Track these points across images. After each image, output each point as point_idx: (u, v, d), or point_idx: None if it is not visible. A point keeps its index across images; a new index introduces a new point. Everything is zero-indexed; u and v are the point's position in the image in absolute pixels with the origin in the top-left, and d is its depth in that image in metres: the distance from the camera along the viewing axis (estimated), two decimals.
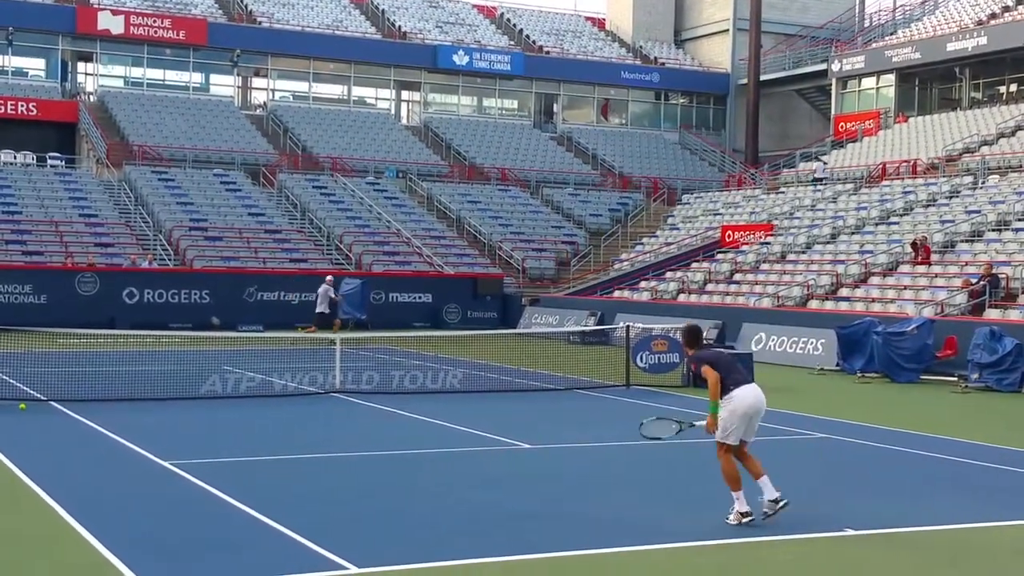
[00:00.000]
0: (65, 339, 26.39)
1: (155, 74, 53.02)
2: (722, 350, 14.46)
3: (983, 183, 38.43)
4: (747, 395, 10.26)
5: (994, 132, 44.14)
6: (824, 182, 45.22)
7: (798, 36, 59.63)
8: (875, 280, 32.12)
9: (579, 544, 9.40)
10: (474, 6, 63.96)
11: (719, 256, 39.27)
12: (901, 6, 59.66)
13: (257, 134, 50.59)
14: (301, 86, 55.50)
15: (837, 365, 25.85)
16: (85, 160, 47.50)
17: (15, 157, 45.55)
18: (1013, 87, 49.83)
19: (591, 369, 23.38)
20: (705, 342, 12.02)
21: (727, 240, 40.42)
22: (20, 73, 50.94)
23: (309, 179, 46.62)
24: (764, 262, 37.36)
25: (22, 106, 47.47)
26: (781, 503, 10.17)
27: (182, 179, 44.55)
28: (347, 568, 8.65)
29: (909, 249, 32.63)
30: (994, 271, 28.01)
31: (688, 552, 9.42)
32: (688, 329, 11.00)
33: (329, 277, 32.49)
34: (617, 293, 38.37)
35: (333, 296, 31.72)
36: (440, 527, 10.10)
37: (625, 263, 42.38)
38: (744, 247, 39.23)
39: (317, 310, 31.39)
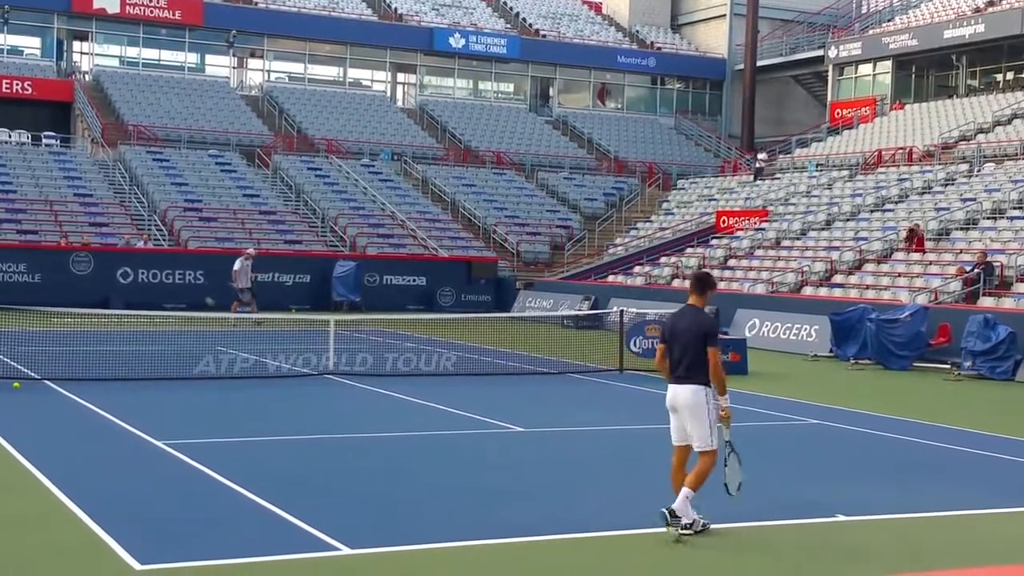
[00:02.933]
0: (59, 318, 26.33)
1: (151, 54, 52.82)
2: None
3: (978, 171, 38.45)
4: None
5: (990, 120, 44.16)
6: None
7: (795, 22, 59.55)
8: (869, 267, 32.15)
9: (571, 528, 9.42)
10: None
11: (714, 242, 39.27)
12: None
13: (252, 115, 50.46)
14: (297, 67, 55.32)
15: (830, 351, 25.89)
16: (80, 139, 47.37)
17: (10, 135, 45.43)
18: (1010, 75, 49.80)
19: (585, 353, 23.37)
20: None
21: (722, 226, 40.44)
22: (15, 52, 50.74)
23: (304, 161, 46.52)
24: (759, 248, 37.39)
25: (17, 84, 47.33)
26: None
27: (177, 159, 44.43)
28: (339, 549, 8.68)
29: (904, 236, 32.67)
30: (988, 259, 28.06)
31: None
32: (707, 275, 9.71)
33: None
34: (611, 278, 38.39)
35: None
36: (432, 509, 10.12)
37: (619, 248, 42.39)
38: (739, 233, 39.24)
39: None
